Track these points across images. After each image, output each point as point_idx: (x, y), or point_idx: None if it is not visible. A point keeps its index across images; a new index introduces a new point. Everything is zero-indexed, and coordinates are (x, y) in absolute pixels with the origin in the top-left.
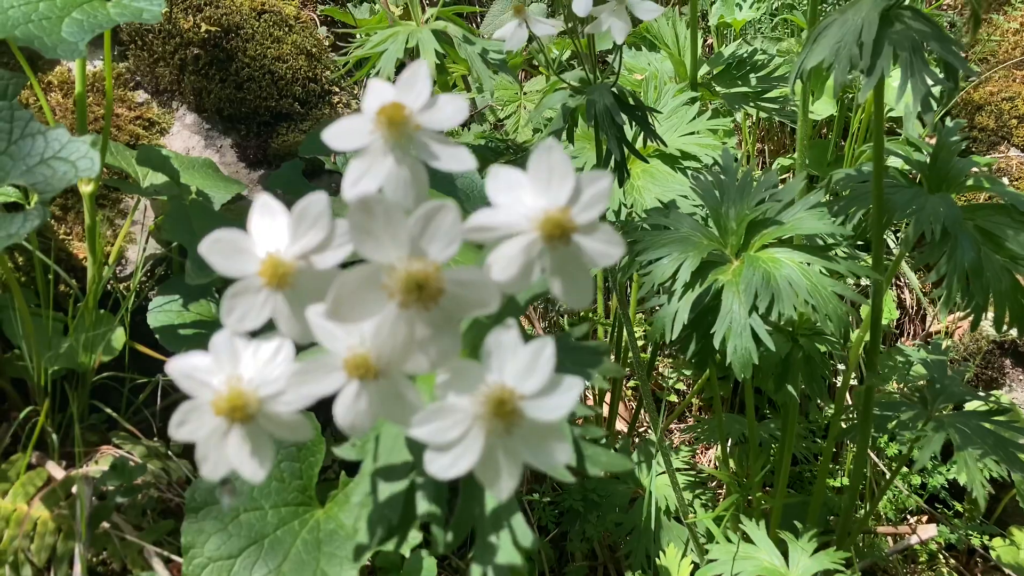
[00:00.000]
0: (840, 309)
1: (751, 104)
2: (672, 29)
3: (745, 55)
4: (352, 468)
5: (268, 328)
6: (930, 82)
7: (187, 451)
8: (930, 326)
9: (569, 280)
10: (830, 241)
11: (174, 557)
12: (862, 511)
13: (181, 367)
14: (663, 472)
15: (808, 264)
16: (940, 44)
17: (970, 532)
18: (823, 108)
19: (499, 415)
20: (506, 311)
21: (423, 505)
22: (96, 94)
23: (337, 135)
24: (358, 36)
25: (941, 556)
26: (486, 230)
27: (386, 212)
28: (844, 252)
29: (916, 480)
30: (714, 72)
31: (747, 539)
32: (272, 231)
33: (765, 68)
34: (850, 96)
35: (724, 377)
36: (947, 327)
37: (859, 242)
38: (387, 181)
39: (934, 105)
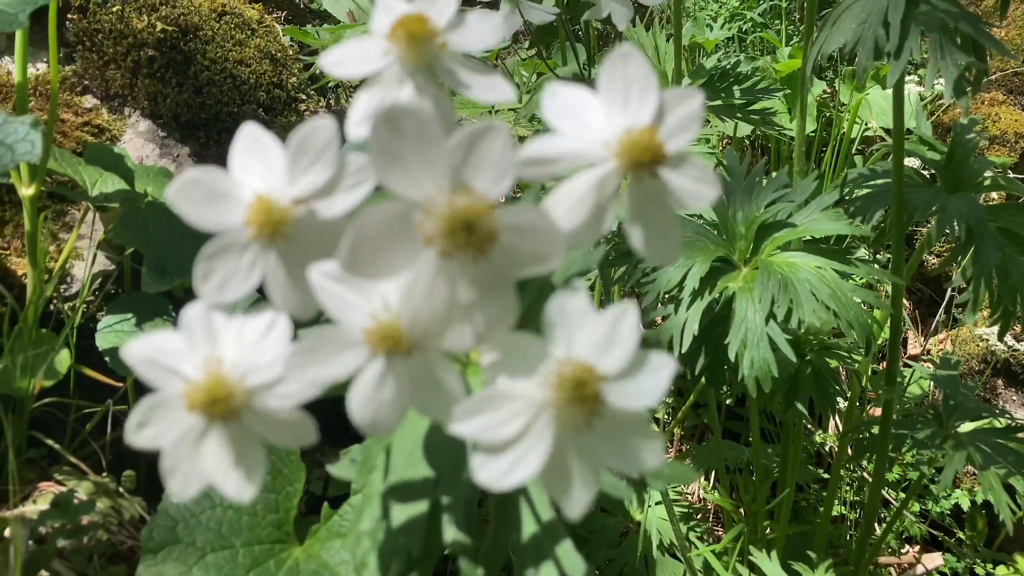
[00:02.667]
0: (862, 316)
1: (737, 116)
2: (652, 41)
3: (728, 67)
4: (336, 500)
5: (254, 303)
6: (961, 64)
7: (143, 487)
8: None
9: (653, 228)
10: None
11: None
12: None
13: (142, 350)
14: (654, 504)
15: (826, 268)
16: (970, 24)
17: (976, 560)
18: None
19: (577, 401)
20: (542, 284)
21: (450, 532)
22: (39, 99)
23: (340, 60)
24: (321, 50)
25: None
26: (546, 162)
27: (419, 129)
28: (862, 255)
29: (915, 507)
30: (696, 84)
31: (756, 571)
32: (262, 170)
33: (748, 80)
34: (827, 114)
35: (703, 405)
36: (926, 349)
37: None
38: None
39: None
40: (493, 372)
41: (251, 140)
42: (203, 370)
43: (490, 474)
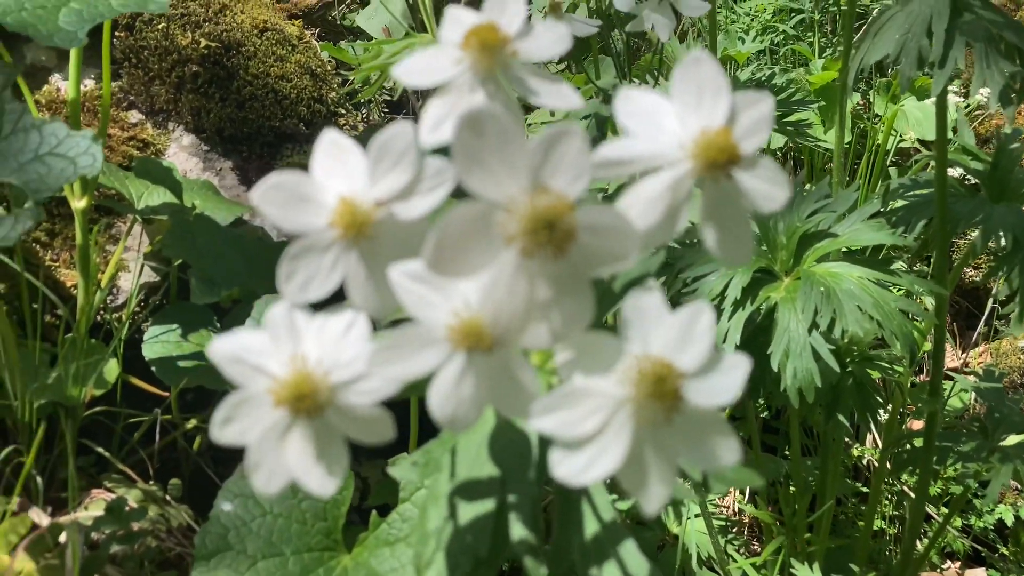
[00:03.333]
0: (906, 326)
1: (774, 128)
2: (687, 54)
3: (763, 79)
4: (382, 508)
5: (331, 301)
6: (1007, 73)
7: (188, 496)
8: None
9: (726, 228)
10: (892, 253)
11: None
12: (897, 555)
13: (228, 348)
14: (693, 516)
15: (869, 278)
16: (1015, 33)
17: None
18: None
19: (658, 397)
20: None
21: (517, 530)
22: (87, 114)
23: (413, 70)
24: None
25: None
26: (622, 163)
27: (501, 132)
28: (904, 265)
29: (957, 522)
30: None
31: None
32: (342, 173)
33: (783, 92)
34: (861, 126)
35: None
36: (965, 362)
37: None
38: None
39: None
40: (569, 369)
41: (332, 145)
42: (288, 367)
43: (569, 469)
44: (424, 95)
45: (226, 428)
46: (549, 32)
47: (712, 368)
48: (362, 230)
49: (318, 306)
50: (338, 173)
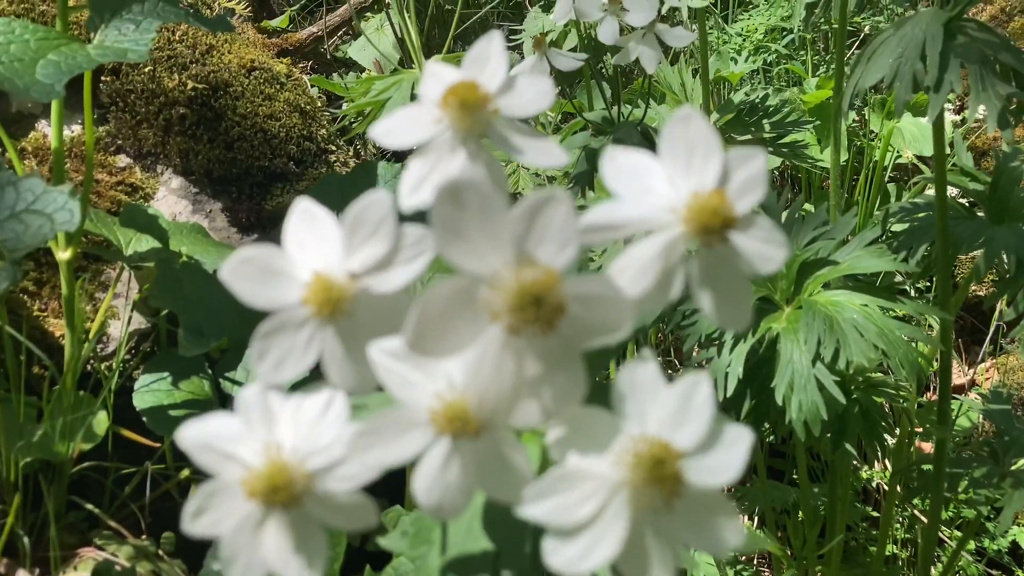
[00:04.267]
0: (912, 354)
1: (768, 150)
2: (679, 77)
3: (756, 101)
4: (375, 557)
5: (309, 379)
6: (1004, 94)
7: (181, 550)
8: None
9: (723, 292)
10: (896, 279)
11: None
12: None
13: (197, 435)
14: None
15: (871, 305)
16: (1012, 55)
17: None
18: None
19: (656, 481)
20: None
21: None
22: (74, 160)
23: (390, 130)
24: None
25: None
26: (610, 228)
27: (482, 202)
28: (908, 292)
29: (971, 545)
30: (723, 119)
31: None
32: (317, 245)
33: (778, 113)
34: (857, 143)
35: None
36: (972, 380)
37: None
38: None
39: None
40: (563, 449)
41: (305, 215)
42: (262, 456)
43: (564, 559)
44: None
45: (198, 520)
46: (532, 87)
47: (713, 444)
48: (337, 306)
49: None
50: (311, 245)
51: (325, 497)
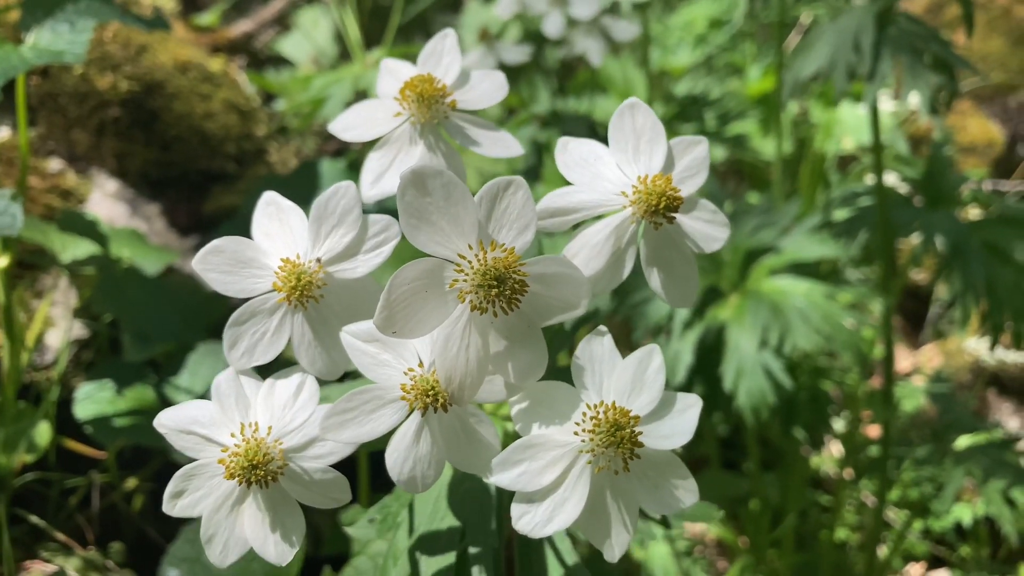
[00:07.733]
0: (854, 338)
1: (712, 142)
2: (621, 71)
3: (699, 93)
4: (337, 559)
5: (277, 365)
6: (933, 83)
7: (131, 560)
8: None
9: (670, 270)
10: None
11: None
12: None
13: (175, 420)
14: (657, 539)
15: (815, 293)
16: (939, 45)
17: (981, 575)
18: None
19: (615, 444)
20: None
21: None
22: (3, 164)
23: (350, 125)
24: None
25: None
26: (566, 212)
27: (445, 188)
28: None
29: (918, 525)
30: (669, 112)
31: None
32: (284, 235)
33: (722, 104)
34: (798, 134)
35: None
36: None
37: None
38: None
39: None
40: (527, 420)
41: (271, 207)
42: (239, 436)
43: (530, 522)
44: None
45: (177, 501)
46: (486, 80)
47: (666, 410)
48: (307, 291)
49: (266, 367)
50: (279, 235)
51: (301, 475)
